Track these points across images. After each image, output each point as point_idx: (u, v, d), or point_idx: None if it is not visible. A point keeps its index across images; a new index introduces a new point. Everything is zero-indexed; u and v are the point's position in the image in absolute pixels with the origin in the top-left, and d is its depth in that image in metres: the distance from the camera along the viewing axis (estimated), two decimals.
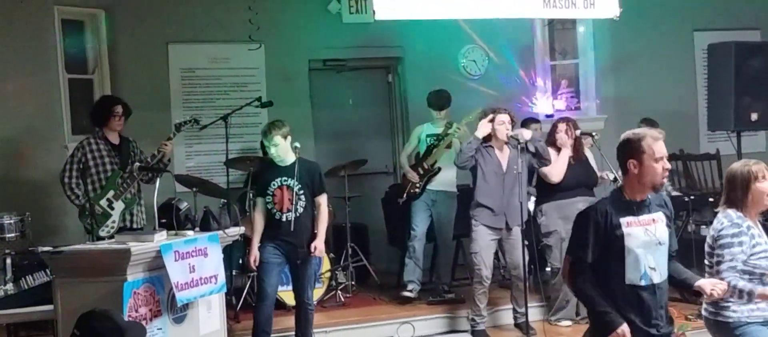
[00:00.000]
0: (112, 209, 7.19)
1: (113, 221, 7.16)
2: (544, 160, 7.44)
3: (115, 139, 7.46)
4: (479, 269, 7.40)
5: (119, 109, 7.44)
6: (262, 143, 8.72)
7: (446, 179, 8.22)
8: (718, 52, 8.74)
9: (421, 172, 8.22)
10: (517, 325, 7.65)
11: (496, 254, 7.70)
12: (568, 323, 7.75)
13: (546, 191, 7.72)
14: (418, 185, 8.20)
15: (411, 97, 9.96)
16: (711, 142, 9.87)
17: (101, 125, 7.45)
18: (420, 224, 8.26)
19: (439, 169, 8.17)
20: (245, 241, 7.84)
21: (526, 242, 7.51)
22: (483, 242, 7.38)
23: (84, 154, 7.31)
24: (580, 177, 7.70)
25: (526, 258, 7.44)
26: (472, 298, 7.52)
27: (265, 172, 7.02)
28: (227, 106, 8.63)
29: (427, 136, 8.34)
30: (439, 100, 8.38)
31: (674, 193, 8.66)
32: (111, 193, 7.18)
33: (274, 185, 6.85)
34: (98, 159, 7.31)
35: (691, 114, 10.32)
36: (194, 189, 7.63)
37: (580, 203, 7.59)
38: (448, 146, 8.19)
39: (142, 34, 9.11)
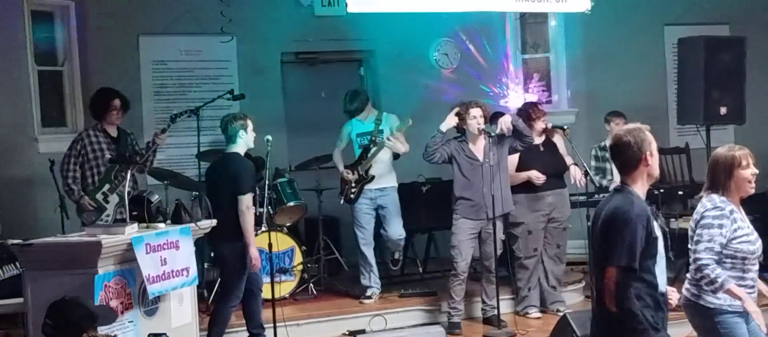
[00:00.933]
0: (108, 202, 7.17)
1: (107, 215, 7.13)
2: (526, 138, 7.43)
3: (113, 131, 7.47)
4: (457, 263, 7.42)
5: (117, 102, 7.45)
6: None
7: (384, 176, 8.10)
8: (688, 46, 8.83)
9: (356, 177, 8.05)
10: (485, 319, 7.67)
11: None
12: (538, 314, 7.79)
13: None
14: (353, 190, 8.03)
15: (383, 90, 9.97)
16: (680, 136, 9.97)
17: (99, 118, 7.43)
18: (365, 228, 8.06)
19: (373, 177, 7.99)
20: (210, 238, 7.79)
21: (504, 237, 7.55)
22: (463, 236, 7.41)
23: (83, 146, 7.32)
24: (549, 166, 7.71)
25: (500, 251, 7.49)
26: (448, 290, 7.55)
27: (251, 167, 6.83)
28: (199, 98, 8.63)
29: (358, 135, 8.15)
30: (352, 105, 8.19)
31: None
32: (107, 186, 7.19)
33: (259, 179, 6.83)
34: (98, 152, 7.31)
35: (661, 108, 10.40)
36: (165, 182, 7.60)
37: (550, 197, 7.67)
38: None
39: (112, 25, 9.05)
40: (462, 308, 7.62)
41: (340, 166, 8.14)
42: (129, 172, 6.66)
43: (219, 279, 7.24)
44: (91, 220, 7.04)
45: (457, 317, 7.53)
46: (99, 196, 7.17)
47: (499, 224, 7.45)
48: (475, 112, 7.40)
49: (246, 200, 6.60)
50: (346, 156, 8.29)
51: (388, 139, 7.96)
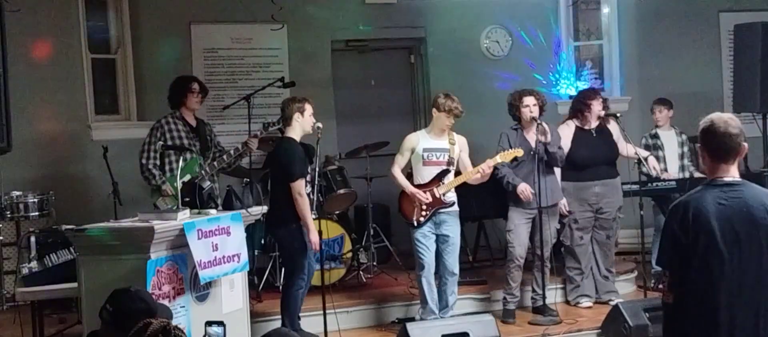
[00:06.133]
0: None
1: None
2: (552, 155, 7.27)
3: (192, 120, 7.40)
4: (513, 248, 7.34)
5: (196, 85, 7.37)
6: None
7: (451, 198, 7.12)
8: (745, 33, 8.66)
9: (431, 200, 6.93)
10: (535, 308, 7.57)
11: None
12: (589, 303, 7.71)
13: (564, 169, 7.64)
14: (424, 213, 6.99)
15: (433, 78, 9.93)
16: None
17: (178, 106, 7.36)
18: (428, 254, 6.99)
19: (453, 202, 7.00)
20: (268, 224, 7.85)
21: (559, 226, 7.48)
22: (518, 221, 7.33)
23: (163, 134, 7.22)
24: (600, 152, 7.61)
25: (554, 240, 7.43)
26: (500, 278, 7.48)
27: (301, 152, 6.76)
28: (250, 86, 8.65)
29: (425, 149, 7.03)
30: (458, 105, 6.95)
31: (697, 174, 8.60)
32: (188, 177, 6.91)
33: (310, 166, 6.79)
34: (177, 141, 7.20)
35: (716, 95, 10.23)
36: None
37: (597, 187, 7.57)
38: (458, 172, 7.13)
39: (164, 14, 9.14)
40: (518, 294, 7.53)
41: (408, 186, 7.01)
42: (209, 167, 6.54)
43: (282, 264, 7.31)
44: (166, 206, 6.92)
45: (512, 303, 7.46)
46: (178, 184, 7.05)
47: (553, 213, 7.39)
48: (529, 100, 7.31)
49: (297, 187, 6.59)
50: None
51: (499, 168, 7.00)
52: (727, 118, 3.75)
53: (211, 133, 7.60)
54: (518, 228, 7.34)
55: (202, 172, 6.99)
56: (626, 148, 7.68)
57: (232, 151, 7.18)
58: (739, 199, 3.70)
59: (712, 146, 3.77)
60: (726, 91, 10.09)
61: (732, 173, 3.76)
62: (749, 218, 3.67)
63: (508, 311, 7.39)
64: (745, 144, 3.76)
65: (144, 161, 7.22)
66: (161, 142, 7.15)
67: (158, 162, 7.24)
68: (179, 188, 6.27)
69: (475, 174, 6.93)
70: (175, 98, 7.40)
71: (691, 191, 3.83)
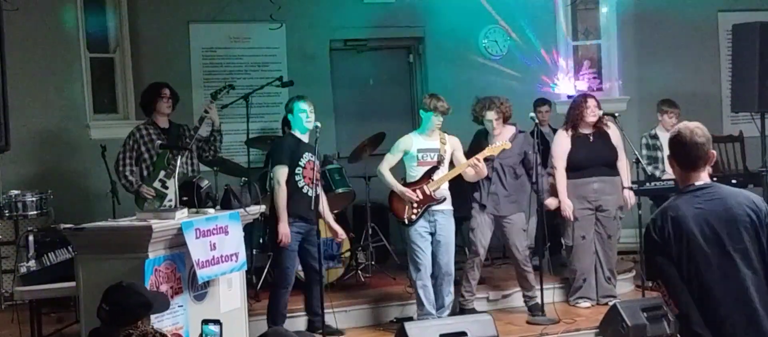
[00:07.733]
0: (167, 188, 7.13)
1: (170, 200, 7.11)
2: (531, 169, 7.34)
3: (164, 123, 7.46)
4: (475, 247, 7.36)
5: (166, 91, 7.45)
6: (283, 122, 8.74)
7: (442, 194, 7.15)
8: (743, 32, 8.64)
9: (421, 198, 6.99)
10: (530, 309, 7.53)
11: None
12: (588, 304, 7.71)
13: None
14: (416, 211, 7.04)
15: (432, 77, 9.93)
16: (734, 124, 9.80)
17: (150, 112, 7.46)
18: (424, 254, 6.97)
19: (444, 198, 7.02)
20: (265, 220, 7.87)
21: (526, 227, 7.47)
22: (481, 221, 7.35)
23: (135, 141, 7.33)
24: (596, 154, 7.60)
25: (527, 242, 7.41)
26: (464, 273, 7.45)
27: (295, 145, 6.87)
28: (248, 85, 8.64)
29: (419, 150, 7.07)
30: (444, 105, 7.04)
31: None
32: (162, 173, 7.14)
33: (304, 158, 6.82)
34: (149, 145, 7.31)
35: (715, 95, 10.24)
36: (215, 168, 7.67)
37: (595, 183, 7.57)
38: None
39: (163, 13, 9.14)
40: (476, 291, 7.51)
41: (396, 185, 7.08)
42: (179, 155, 6.67)
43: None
44: (154, 207, 7.00)
45: (471, 301, 7.45)
46: (156, 183, 7.18)
47: (520, 217, 7.40)
48: (490, 115, 7.23)
49: (275, 174, 6.78)
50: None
51: (481, 160, 6.91)
52: (693, 128, 3.83)
53: (188, 133, 7.59)
54: (481, 226, 7.34)
55: (173, 163, 7.05)
56: (623, 158, 7.68)
57: (191, 129, 7.39)
58: (715, 200, 3.77)
59: (681, 156, 3.85)
60: (724, 90, 10.10)
61: (703, 178, 3.83)
62: (728, 216, 3.73)
63: (468, 310, 7.37)
64: (713, 151, 3.85)
65: (120, 168, 7.34)
66: (161, 144, 7.20)
67: (134, 168, 7.34)
68: (176, 188, 6.27)
69: (466, 168, 6.98)
70: (147, 105, 7.50)
71: (666, 202, 3.89)
